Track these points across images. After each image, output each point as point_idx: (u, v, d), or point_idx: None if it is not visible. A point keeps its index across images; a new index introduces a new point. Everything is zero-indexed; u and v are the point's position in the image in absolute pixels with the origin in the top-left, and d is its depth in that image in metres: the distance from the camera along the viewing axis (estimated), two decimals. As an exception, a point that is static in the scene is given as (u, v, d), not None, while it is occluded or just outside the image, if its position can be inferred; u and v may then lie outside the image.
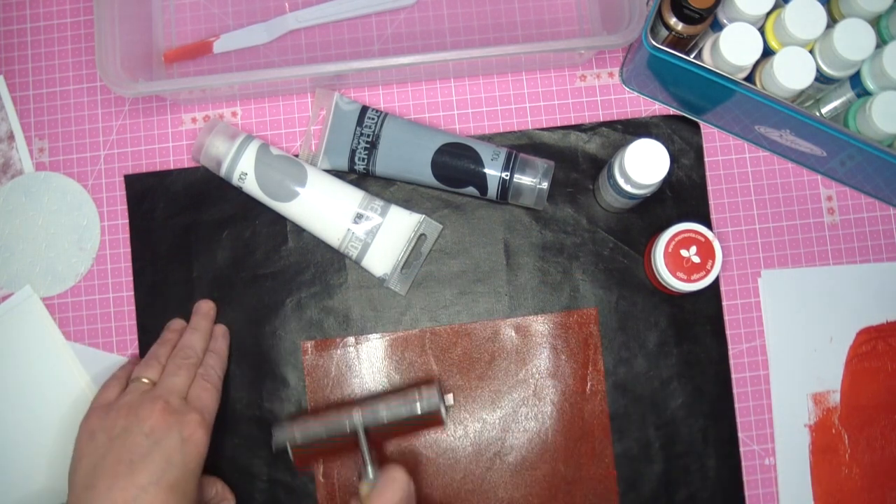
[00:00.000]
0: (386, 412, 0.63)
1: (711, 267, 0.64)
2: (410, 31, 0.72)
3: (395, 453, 0.68)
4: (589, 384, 0.68)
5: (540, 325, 0.69)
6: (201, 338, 0.66)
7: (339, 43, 0.72)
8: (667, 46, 0.62)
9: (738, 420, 0.68)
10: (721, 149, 0.71)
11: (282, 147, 0.70)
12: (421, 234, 0.68)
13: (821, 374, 0.69)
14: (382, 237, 0.67)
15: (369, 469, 0.61)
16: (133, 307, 0.69)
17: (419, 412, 0.62)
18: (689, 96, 0.68)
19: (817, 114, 0.65)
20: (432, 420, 0.63)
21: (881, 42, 0.63)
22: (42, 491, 0.68)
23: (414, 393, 0.63)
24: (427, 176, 0.67)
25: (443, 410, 0.63)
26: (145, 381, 0.62)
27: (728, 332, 0.69)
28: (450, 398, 0.65)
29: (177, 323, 0.68)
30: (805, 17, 0.61)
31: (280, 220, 0.69)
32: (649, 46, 0.62)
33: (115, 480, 0.55)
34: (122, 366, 0.66)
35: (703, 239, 0.64)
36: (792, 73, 0.61)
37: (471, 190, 0.67)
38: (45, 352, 0.69)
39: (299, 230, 0.69)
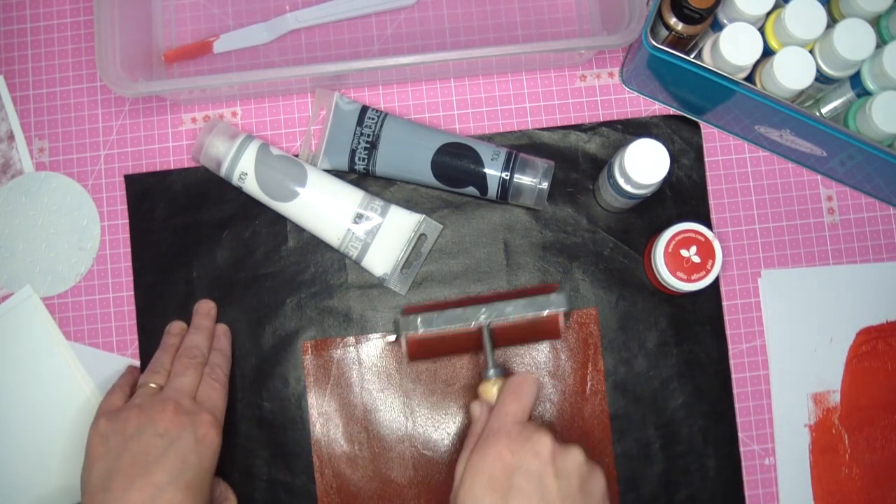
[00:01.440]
0: (512, 309, 0.61)
1: (711, 267, 0.64)
2: (410, 31, 0.72)
3: (395, 451, 0.68)
4: (589, 384, 0.68)
5: (540, 325, 0.69)
6: (205, 337, 0.66)
7: (339, 43, 0.72)
8: (667, 46, 0.62)
9: (738, 420, 0.68)
10: (721, 149, 0.71)
11: (282, 147, 0.70)
12: (421, 234, 0.68)
13: (821, 374, 0.69)
14: (382, 237, 0.67)
15: (491, 367, 0.59)
16: (133, 307, 0.69)
17: (545, 313, 0.61)
18: (689, 96, 0.68)
19: (817, 114, 0.65)
20: (552, 328, 0.61)
21: (881, 42, 0.63)
22: (42, 491, 0.68)
23: (542, 297, 0.61)
24: (427, 176, 0.67)
25: (562, 319, 0.61)
26: (153, 385, 0.62)
27: (728, 332, 0.69)
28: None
29: (176, 326, 0.68)
30: (805, 17, 0.61)
31: (280, 220, 0.69)
32: (649, 46, 0.62)
33: (133, 481, 0.55)
34: (122, 375, 0.66)
35: (703, 239, 0.64)
36: (792, 73, 0.61)
37: (471, 190, 0.67)
38: (45, 352, 0.69)
39: (299, 230, 0.69)
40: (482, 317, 0.61)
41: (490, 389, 0.59)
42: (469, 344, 0.62)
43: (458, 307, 0.62)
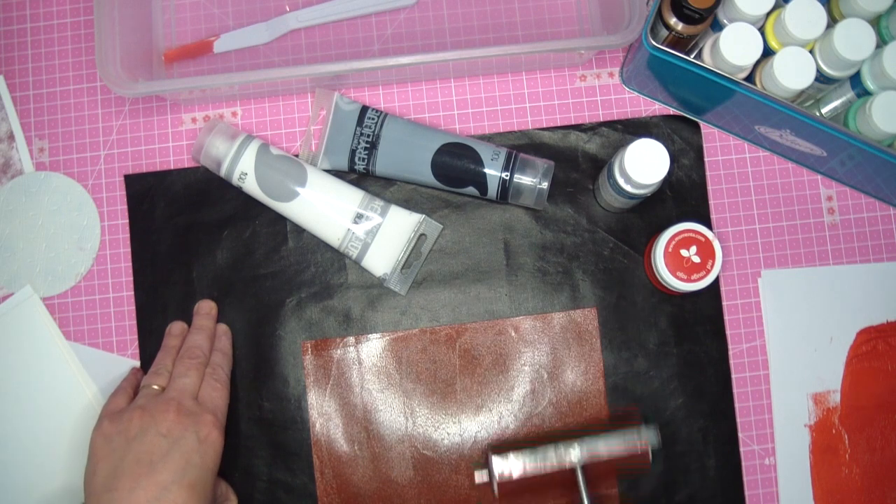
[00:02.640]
0: (604, 445, 0.60)
1: (711, 267, 0.64)
2: (410, 31, 0.72)
3: (395, 451, 0.68)
4: (589, 384, 0.68)
5: (540, 325, 0.69)
6: (206, 337, 0.66)
7: (339, 43, 0.72)
8: (667, 46, 0.62)
9: (738, 420, 0.68)
10: (721, 149, 0.71)
11: (282, 147, 0.70)
12: (421, 234, 0.68)
13: (821, 374, 0.69)
14: (382, 237, 0.67)
15: None
16: (133, 307, 0.69)
17: (639, 449, 0.60)
18: (689, 96, 0.68)
19: (817, 114, 0.65)
20: (641, 460, 0.60)
21: (881, 42, 0.63)
22: (43, 492, 0.68)
23: (632, 431, 0.61)
24: (427, 176, 0.67)
25: (650, 450, 0.60)
26: (156, 387, 0.62)
27: (728, 332, 0.69)
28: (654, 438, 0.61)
29: (176, 327, 0.68)
30: (805, 17, 0.61)
31: (280, 220, 0.69)
32: (649, 46, 0.62)
33: (138, 480, 0.56)
34: (125, 377, 0.67)
35: (703, 239, 0.64)
36: (792, 73, 0.61)
37: (471, 190, 0.67)
38: (45, 352, 0.69)
39: (299, 230, 0.69)
40: (574, 456, 0.60)
41: None
42: (557, 481, 0.61)
43: (548, 444, 0.60)
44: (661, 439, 0.61)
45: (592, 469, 0.61)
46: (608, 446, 0.60)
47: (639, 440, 0.60)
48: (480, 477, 0.61)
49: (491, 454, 0.61)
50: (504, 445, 0.63)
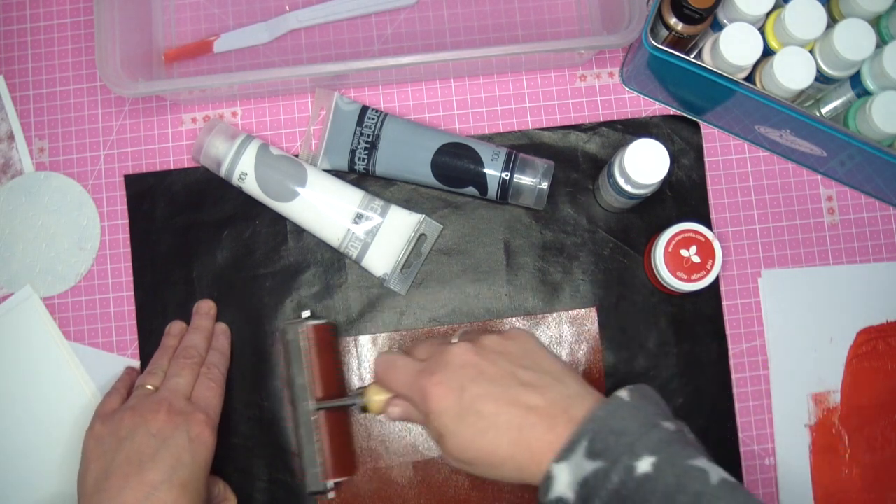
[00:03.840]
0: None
1: (711, 267, 0.64)
2: (410, 31, 0.72)
3: (395, 451, 0.68)
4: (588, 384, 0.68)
5: (540, 325, 0.69)
6: (203, 337, 0.66)
7: (339, 43, 0.72)
8: (667, 46, 0.62)
9: (738, 420, 0.68)
10: (721, 149, 0.71)
11: (282, 147, 0.70)
12: (421, 234, 0.68)
13: (821, 374, 0.69)
14: (382, 237, 0.67)
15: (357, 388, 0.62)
16: (133, 307, 0.69)
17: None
18: (689, 96, 0.68)
19: (817, 114, 0.65)
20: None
21: (881, 42, 0.63)
22: (44, 493, 0.68)
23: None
24: (427, 176, 0.67)
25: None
26: (149, 387, 0.62)
27: (728, 332, 0.69)
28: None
29: (176, 327, 0.68)
30: (805, 17, 0.61)
31: (280, 220, 0.69)
32: (649, 46, 0.62)
33: (127, 480, 0.56)
34: (119, 378, 0.67)
35: (703, 239, 0.64)
36: (792, 73, 0.61)
37: (471, 190, 0.67)
38: (45, 352, 0.69)
39: (299, 230, 0.69)
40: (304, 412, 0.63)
41: (375, 396, 0.60)
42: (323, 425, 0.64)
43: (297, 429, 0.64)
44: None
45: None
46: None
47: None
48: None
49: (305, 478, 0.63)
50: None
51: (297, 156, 0.69)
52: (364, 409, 0.61)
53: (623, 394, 0.50)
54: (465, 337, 0.57)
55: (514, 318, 0.69)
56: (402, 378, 0.56)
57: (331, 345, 0.67)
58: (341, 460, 0.64)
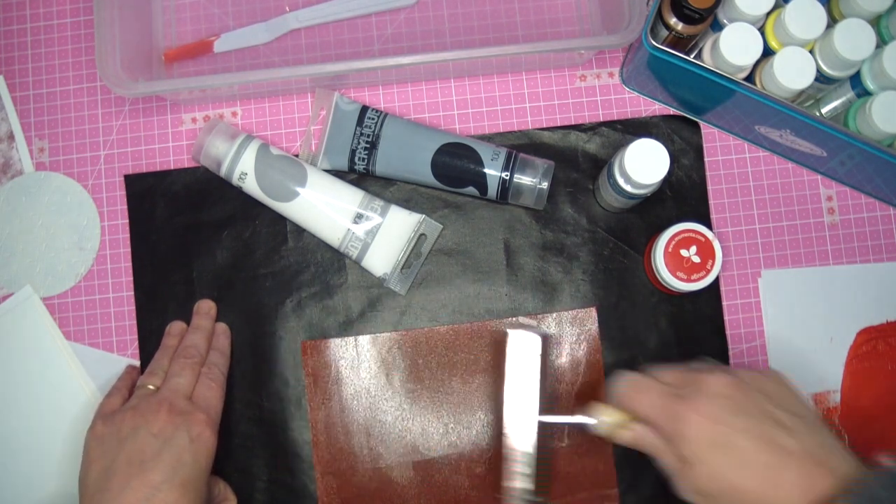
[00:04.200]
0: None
1: (711, 267, 0.64)
2: (410, 31, 0.72)
3: (395, 451, 0.68)
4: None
5: (540, 325, 0.69)
6: (203, 337, 0.66)
7: (339, 43, 0.72)
8: (667, 46, 0.62)
9: (738, 420, 0.68)
10: (721, 149, 0.71)
11: (282, 147, 0.70)
12: (421, 234, 0.68)
13: (821, 374, 0.69)
14: (382, 237, 0.67)
15: (596, 410, 0.58)
16: (133, 307, 0.69)
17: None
18: (689, 96, 0.68)
19: (817, 114, 0.65)
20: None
21: (881, 42, 0.63)
22: (43, 493, 0.68)
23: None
24: (427, 176, 0.67)
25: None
26: (150, 387, 0.62)
27: (728, 332, 0.69)
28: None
29: (176, 327, 0.68)
30: (805, 17, 0.61)
31: (280, 220, 0.69)
32: (649, 46, 0.62)
33: (129, 480, 0.56)
34: (120, 377, 0.67)
35: (703, 239, 0.64)
36: (792, 73, 0.61)
37: (471, 190, 0.67)
38: (45, 352, 0.69)
39: (299, 230, 0.69)
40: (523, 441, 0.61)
41: (606, 416, 0.57)
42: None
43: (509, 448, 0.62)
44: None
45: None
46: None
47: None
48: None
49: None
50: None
51: (297, 156, 0.69)
52: (586, 427, 0.58)
53: (892, 464, 0.49)
54: (713, 368, 0.55)
55: (514, 319, 0.69)
56: (652, 400, 0.54)
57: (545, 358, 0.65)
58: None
